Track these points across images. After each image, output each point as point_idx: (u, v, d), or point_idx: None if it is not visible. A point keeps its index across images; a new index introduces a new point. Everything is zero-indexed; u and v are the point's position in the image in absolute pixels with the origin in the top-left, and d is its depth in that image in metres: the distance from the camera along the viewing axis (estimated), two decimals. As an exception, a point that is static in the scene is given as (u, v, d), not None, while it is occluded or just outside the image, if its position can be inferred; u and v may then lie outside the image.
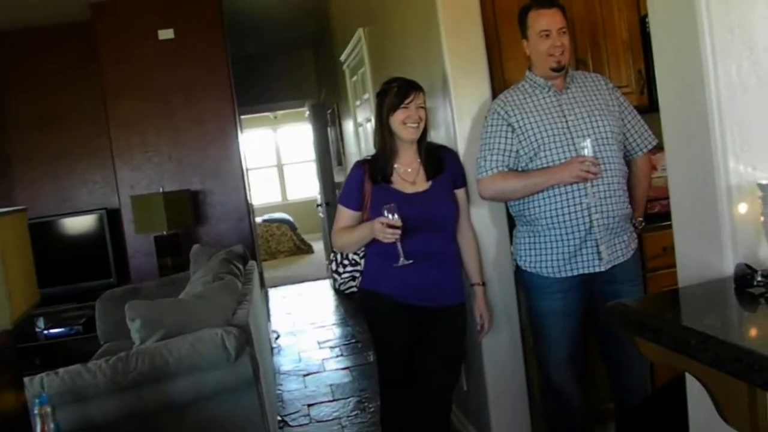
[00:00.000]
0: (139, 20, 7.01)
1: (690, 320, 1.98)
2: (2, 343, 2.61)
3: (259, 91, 11.26)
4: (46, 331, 6.67)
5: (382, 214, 3.34)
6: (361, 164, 3.75)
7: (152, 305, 3.74)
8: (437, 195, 3.63)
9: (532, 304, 3.72)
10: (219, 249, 5.49)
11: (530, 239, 3.61)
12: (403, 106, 3.53)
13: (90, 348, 5.44)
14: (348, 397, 5.85)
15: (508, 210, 3.85)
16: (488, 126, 3.61)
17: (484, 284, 3.82)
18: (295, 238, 15.78)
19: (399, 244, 3.39)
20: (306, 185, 17.43)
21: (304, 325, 8.76)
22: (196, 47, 7.09)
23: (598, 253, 3.46)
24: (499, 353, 4.04)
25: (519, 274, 3.78)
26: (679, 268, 2.47)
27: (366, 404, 5.60)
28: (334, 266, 3.80)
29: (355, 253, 3.73)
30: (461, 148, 3.93)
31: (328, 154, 11.06)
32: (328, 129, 10.74)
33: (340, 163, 9.73)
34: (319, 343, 7.80)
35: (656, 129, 3.25)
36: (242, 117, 9.09)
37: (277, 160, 18.84)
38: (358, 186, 3.66)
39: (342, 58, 7.65)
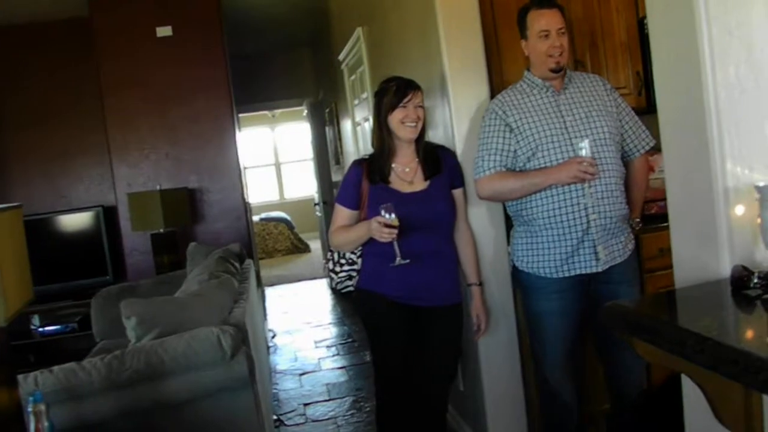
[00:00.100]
0: (136, 17, 6.99)
1: (687, 322, 1.98)
2: (-4, 341, 2.60)
3: (258, 89, 11.26)
4: (41, 329, 6.65)
5: (379, 214, 3.33)
6: (358, 163, 3.74)
7: (148, 303, 3.73)
8: (435, 195, 3.63)
9: (529, 305, 3.71)
10: (216, 247, 5.49)
11: (527, 239, 3.61)
12: (401, 105, 3.52)
13: (85, 346, 5.43)
14: (344, 397, 5.85)
15: (505, 210, 3.85)
16: (486, 126, 3.60)
17: (481, 284, 3.82)
18: (293, 237, 15.78)
19: (396, 244, 3.38)
20: (304, 184, 17.43)
21: (301, 324, 8.76)
22: (194, 45, 7.08)
23: (596, 253, 3.46)
24: (496, 353, 4.03)
25: (516, 274, 3.77)
26: (676, 269, 2.47)
27: (362, 404, 5.59)
28: (331, 265, 3.80)
29: (352, 253, 3.73)
30: (459, 148, 3.92)
31: (326, 153, 11.06)
32: (326, 128, 10.74)
33: (338, 162, 9.72)
34: (315, 342, 7.80)
35: (654, 130, 3.26)
36: (240, 115, 9.08)
37: (274, 159, 18.83)
38: (355, 185, 3.66)
39: (340, 57, 7.65)
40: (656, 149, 3.39)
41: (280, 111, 16.76)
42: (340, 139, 9.26)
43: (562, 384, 3.65)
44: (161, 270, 6.53)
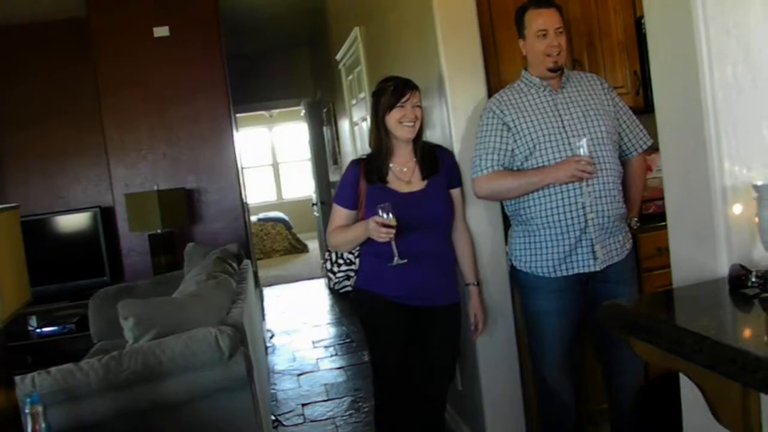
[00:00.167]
0: (134, 17, 7.00)
1: (684, 321, 1.98)
2: (-7, 342, 2.60)
3: (255, 89, 11.25)
4: (38, 330, 6.65)
5: (377, 213, 3.33)
6: (356, 163, 3.74)
7: (145, 304, 3.72)
8: (432, 194, 3.63)
9: (527, 304, 3.71)
10: (213, 248, 5.48)
11: (525, 239, 3.61)
12: (399, 105, 3.52)
13: (83, 347, 5.43)
14: (342, 397, 5.84)
15: (503, 210, 3.84)
16: (483, 125, 3.60)
17: (479, 284, 3.82)
18: (290, 237, 15.78)
19: (393, 244, 3.38)
20: (301, 184, 17.41)
21: (299, 325, 8.75)
22: (192, 45, 7.08)
23: (593, 252, 3.46)
24: (494, 353, 4.03)
25: (514, 273, 3.77)
26: (674, 268, 2.47)
27: (360, 404, 5.59)
28: (328, 265, 3.80)
29: (350, 253, 3.72)
30: (457, 148, 3.92)
31: (323, 153, 11.05)
32: (324, 128, 10.73)
33: (335, 162, 9.72)
34: (313, 342, 7.79)
35: (651, 130, 3.26)
36: (238, 115, 9.08)
37: (272, 159, 18.83)
38: (353, 185, 3.66)
39: (338, 57, 7.64)
40: (654, 149, 3.39)
41: (277, 111, 16.76)
42: (337, 139, 9.26)
43: (560, 383, 3.65)
44: (159, 270, 6.53)
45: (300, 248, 15.74)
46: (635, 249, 3.76)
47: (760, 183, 2.08)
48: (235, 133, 7.39)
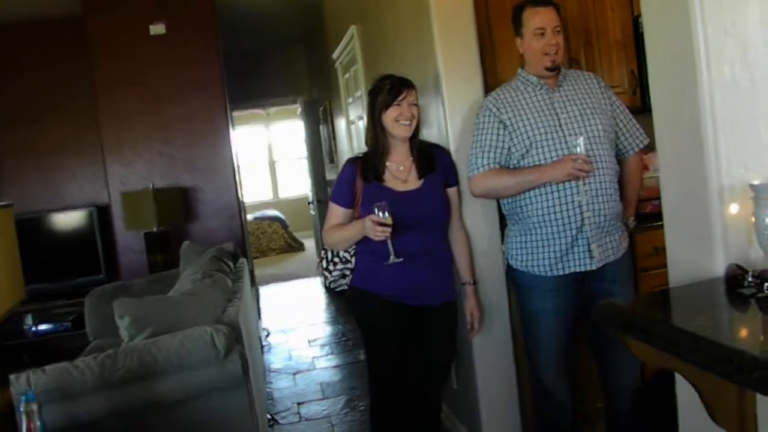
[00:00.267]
0: (130, 14, 6.97)
1: (681, 321, 1.98)
2: (-13, 341, 2.60)
3: (252, 87, 11.23)
4: (34, 328, 6.65)
5: (373, 212, 3.33)
6: (352, 162, 3.73)
7: (141, 303, 3.72)
8: (429, 193, 3.62)
9: (524, 303, 3.71)
10: (209, 246, 5.48)
11: (522, 238, 3.60)
12: (395, 103, 3.52)
13: (79, 345, 5.42)
14: (338, 396, 5.84)
15: (500, 209, 3.84)
16: (480, 123, 3.60)
17: (475, 283, 3.82)
18: (287, 236, 15.78)
19: (389, 242, 3.38)
20: (298, 183, 17.40)
21: (295, 323, 8.75)
22: (188, 43, 7.06)
23: (590, 251, 3.45)
24: (490, 352, 4.03)
25: (510, 272, 3.77)
26: (670, 268, 2.47)
27: (356, 403, 5.59)
28: (324, 264, 3.79)
29: (346, 251, 3.72)
30: (453, 146, 3.91)
31: (320, 151, 11.04)
32: (321, 126, 10.73)
33: (332, 160, 9.71)
34: (309, 341, 7.80)
35: (648, 129, 3.25)
36: (234, 113, 9.07)
37: (269, 157, 18.81)
38: (349, 183, 3.65)
39: (335, 55, 7.64)
40: (651, 148, 3.39)
41: (274, 109, 16.76)
42: (334, 138, 9.26)
43: (557, 383, 3.64)
44: (155, 269, 6.51)
45: (296, 247, 15.74)
46: (631, 248, 3.75)
47: (757, 182, 2.08)
48: (231, 131, 7.38)
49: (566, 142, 3.41)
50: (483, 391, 4.06)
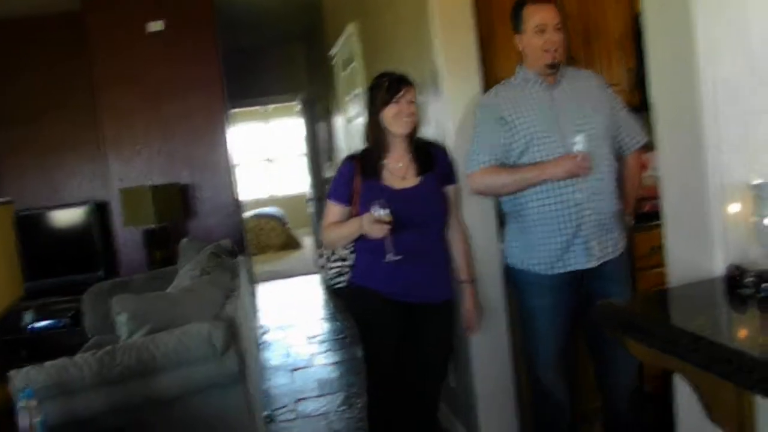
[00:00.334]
0: (129, 11, 6.97)
1: (680, 321, 1.98)
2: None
3: (250, 84, 11.21)
4: (33, 324, 6.63)
5: (371, 210, 3.33)
6: (350, 159, 3.73)
7: (139, 299, 3.72)
8: (427, 191, 3.62)
9: (522, 302, 3.70)
10: (208, 243, 5.48)
11: (520, 236, 3.60)
12: (394, 100, 3.51)
13: (78, 341, 5.41)
14: (336, 393, 5.84)
15: (498, 207, 3.84)
16: (479, 120, 3.59)
17: (473, 281, 3.81)
18: (285, 233, 15.75)
19: (388, 240, 3.38)
20: (296, 180, 17.37)
21: (293, 320, 8.75)
22: (187, 40, 7.06)
23: (588, 249, 3.45)
24: (488, 350, 4.03)
25: (509, 271, 3.77)
26: (669, 267, 2.47)
27: (354, 400, 5.58)
28: (322, 261, 3.79)
29: (344, 249, 3.71)
30: (452, 144, 3.91)
31: (318, 148, 11.03)
32: (319, 123, 10.71)
33: (330, 158, 9.70)
34: (307, 338, 7.79)
35: (647, 127, 3.25)
36: (233, 110, 9.06)
37: (267, 155, 18.78)
38: (347, 181, 3.65)
39: (333, 52, 7.63)
40: (650, 147, 3.39)
41: (273, 106, 16.72)
42: (332, 135, 9.24)
43: (555, 382, 3.64)
44: (153, 265, 6.53)
45: (294, 244, 15.71)
46: (630, 247, 3.75)
47: (757, 182, 2.07)
48: (229, 128, 7.38)
49: (565, 140, 3.40)
50: (480, 390, 4.06)
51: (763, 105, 2.20)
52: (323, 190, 10.07)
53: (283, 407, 5.63)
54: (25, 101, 7.56)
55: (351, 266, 3.71)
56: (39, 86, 7.59)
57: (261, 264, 12.88)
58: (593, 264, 3.47)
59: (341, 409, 5.45)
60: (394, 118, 3.53)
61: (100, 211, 7.39)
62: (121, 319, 3.53)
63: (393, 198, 3.42)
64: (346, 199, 3.65)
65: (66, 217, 7.47)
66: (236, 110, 10.66)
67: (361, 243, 3.62)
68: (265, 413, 5.36)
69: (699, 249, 2.25)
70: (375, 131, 3.61)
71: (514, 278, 3.73)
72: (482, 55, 4.03)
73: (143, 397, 3.28)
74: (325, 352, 7.15)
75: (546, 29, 3.42)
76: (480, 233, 3.95)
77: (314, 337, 7.80)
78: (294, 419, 5.37)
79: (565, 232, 3.44)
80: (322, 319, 8.69)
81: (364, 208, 3.45)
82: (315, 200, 11.02)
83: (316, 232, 10.20)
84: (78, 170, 7.77)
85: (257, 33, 10.24)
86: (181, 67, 7.05)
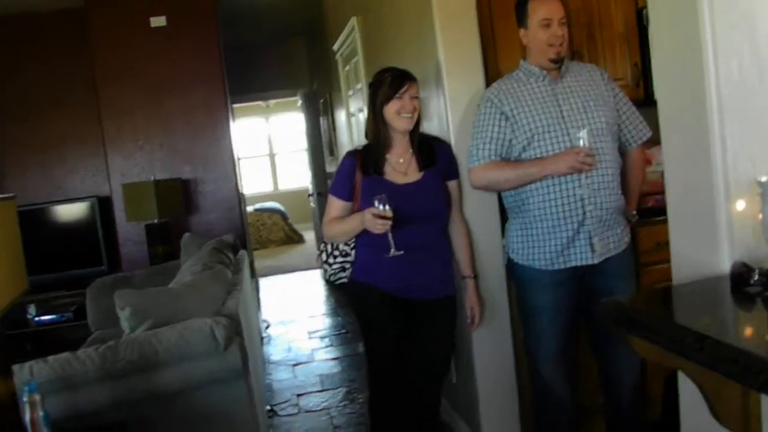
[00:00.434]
0: (131, 7, 6.97)
1: (685, 319, 1.97)
2: (-10, 331, 2.61)
3: (252, 79, 11.23)
4: (37, 318, 6.64)
5: (373, 205, 3.32)
6: (352, 154, 3.73)
7: (142, 294, 3.72)
8: (429, 186, 3.62)
9: (524, 297, 3.70)
10: (210, 238, 5.47)
11: (523, 231, 3.59)
12: (396, 96, 3.51)
13: (80, 335, 5.42)
14: (337, 388, 5.85)
15: (500, 202, 3.83)
16: (481, 114, 3.58)
17: (476, 277, 3.81)
18: (287, 228, 15.77)
19: (390, 235, 3.37)
20: (298, 175, 17.38)
21: (295, 315, 8.76)
22: (189, 35, 7.06)
23: (591, 245, 3.44)
24: (489, 346, 4.02)
25: (511, 266, 3.76)
26: (674, 265, 2.45)
27: (355, 395, 5.59)
28: (324, 257, 3.79)
29: (346, 244, 3.72)
30: (454, 139, 3.90)
31: (320, 143, 11.05)
32: (321, 118, 10.72)
33: (332, 152, 9.71)
34: (309, 333, 7.80)
35: (651, 123, 3.25)
36: (234, 105, 9.06)
37: (269, 149, 18.80)
38: (349, 176, 3.65)
39: (335, 47, 7.62)
40: (654, 141, 3.38)
41: (274, 101, 16.74)
42: (334, 130, 9.25)
43: (556, 378, 3.63)
44: (155, 260, 6.53)
45: (296, 239, 15.73)
46: (634, 243, 3.75)
47: (764, 179, 2.06)
48: (231, 123, 7.38)
49: (569, 135, 3.40)
50: (482, 385, 4.06)
51: (770, 101, 2.19)
52: (325, 184, 10.09)
53: (285, 402, 5.64)
54: (27, 97, 7.58)
55: (353, 262, 3.71)
56: (41, 82, 7.60)
57: (262, 259, 12.91)
58: (596, 260, 3.46)
59: (342, 404, 5.46)
60: (397, 114, 3.52)
61: (102, 206, 7.40)
62: (124, 314, 3.53)
63: (394, 193, 3.42)
64: (347, 194, 3.65)
65: (68, 212, 7.50)
66: (238, 105, 10.66)
67: (362, 238, 3.62)
68: (267, 408, 5.37)
69: (704, 246, 2.24)
70: (377, 127, 3.61)
71: (516, 273, 3.73)
72: (484, 50, 4.02)
73: (146, 391, 3.28)
74: (327, 347, 7.16)
75: (551, 23, 3.41)
76: (482, 228, 3.94)
77: (315, 332, 7.81)
78: (296, 414, 5.38)
79: (568, 228, 3.43)
80: (324, 314, 8.71)
81: (366, 204, 3.45)
82: (316, 195, 11.02)
83: (318, 227, 10.22)
84: (80, 165, 7.78)
85: (258, 28, 10.24)
86: (183, 63, 7.05)
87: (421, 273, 3.61)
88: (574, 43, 4.26)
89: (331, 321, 8.28)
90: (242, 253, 5.52)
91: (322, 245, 3.82)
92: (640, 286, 3.86)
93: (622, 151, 3.65)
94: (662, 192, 2.54)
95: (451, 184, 3.75)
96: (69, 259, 7.42)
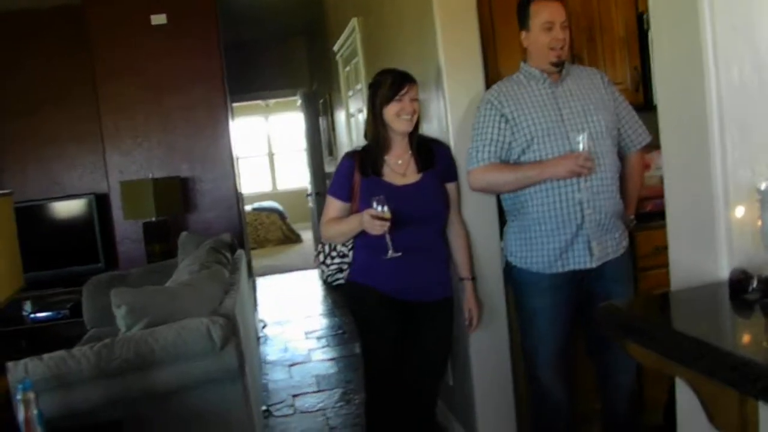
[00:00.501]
0: (131, 5, 6.98)
1: (683, 326, 1.96)
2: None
3: (252, 78, 11.23)
4: (32, 315, 6.63)
5: (371, 206, 3.32)
6: (351, 155, 3.73)
7: (138, 293, 3.71)
8: (427, 188, 3.62)
9: (522, 301, 3.69)
10: (207, 237, 5.47)
11: (521, 234, 3.59)
12: (396, 98, 3.50)
13: (77, 333, 5.42)
14: (333, 389, 5.84)
15: (499, 205, 3.83)
16: (481, 116, 3.57)
17: (473, 279, 3.80)
18: (284, 228, 15.76)
19: (388, 236, 3.37)
20: (296, 174, 17.38)
21: (292, 315, 8.75)
22: (189, 33, 7.06)
23: (590, 249, 3.44)
24: (487, 349, 4.02)
25: (509, 270, 3.76)
26: (673, 271, 2.44)
27: (351, 396, 5.58)
28: (321, 258, 3.79)
29: (344, 245, 3.71)
30: (453, 141, 3.89)
31: (319, 143, 11.05)
32: (320, 119, 10.72)
33: (331, 153, 9.71)
34: (305, 333, 7.80)
35: (650, 127, 3.24)
36: (234, 104, 9.06)
37: (268, 149, 18.79)
38: (347, 177, 3.64)
39: (335, 47, 7.62)
40: (653, 146, 3.37)
41: (274, 101, 16.73)
42: (333, 130, 9.25)
43: (554, 382, 3.63)
44: (152, 258, 6.53)
45: (294, 238, 15.72)
46: (632, 247, 3.74)
47: (764, 186, 2.05)
48: (230, 122, 7.38)
49: (568, 138, 3.39)
50: (478, 388, 4.05)
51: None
52: (323, 184, 10.09)
53: (281, 402, 5.63)
54: (26, 93, 7.57)
55: (350, 263, 3.71)
56: (40, 78, 7.59)
57: (260, 258, 12.90)
58: (594, 264, 3.46)
59: (339, 405, 5.45)
60: (397, 116, 3.52)
61: (100, 203, 7.39)
62: (120, 313, 3.52)
63: (393, 195, 3.41)
64: (345, 195, 3.64)
65: (66, 208, 7.49)
66: (237, 104, 10.67)
67: (360, 239, 3.61)
68: (263, 408, 5.36)
69: (703, 253, 2.23)
70: (376, 128, 3.61)
71: (514, 276, 3.72)
72: (484, 52, 4.01)
73: (141, 390, 3.28)
74: (323, 347, 7.16)
75: (553, 27, 3.40)
76: (480, 231, 3.94)
77: (312, 332, 7.81)
78: (291, 414, 5.37)
79: (566, 231, 3.43)
80: (321, 314, 8.71)
81: (364, 205, 3.44)
82: (315, 195, 11.02)
83: (316, 227, 10.21)
84: (78, 162, 7.77)
85: (259, 27, 10.25)
86: (183, 61, 7.05)
87: (419, 275, 3.60)
88: (574, 46, 4.26)
89: (328, 321, 8.27)
90: (240, 252, 5.52)
91: (320, 246, 3.81)
92: (637, 290, 3.86)
93: (621, 155, 3.64)
94: (661, 196, 2.53)
95: (450, 186, 3.74)
96: (66, 256, 7.41)
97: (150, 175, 6.71)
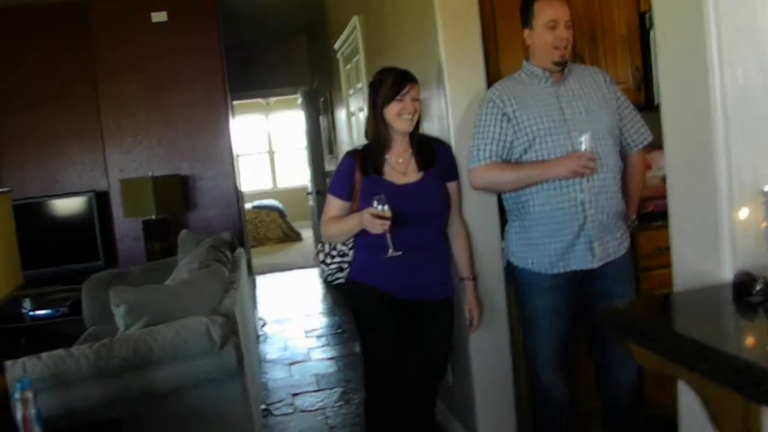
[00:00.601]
0: (132, 2, 6.98)
1: (686, 328, 1.95)
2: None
3: (252, 76, 11.22)
4: (31, 313, 6.62)
5: (371, 205, 3.31)
6: (351, 154, 3.72)
7: (137, 291, 3.70)
8: (428, 187, 3.61)
9: (523, 301, 3.68)
10: (207, 235, 5.47)
11: (522, 234, 3.58)
12: (398, 98, 3.49)
13: (76, 330, 5.41)
14: (333, 388, 5.83)
15: (500, 204, 3.82)
16: (482, 114, 3.56)
17: (474, 278, 3.79)
18: (284, 226, 15.75)
19: (388, 235, 3.36)
20: (297, 173, 17.37)
21: (291, 314, 8.75)
22: (190, 31, 7.07)
23: (591, 249, 3.43)
24: (487, 348, 4.01)
25: (510, 270, 3.74)
26: (675, 272, 2.44)
27: (351, 395, 5.57)
28: (321, 257, 3.78)
29: (344, 244, 3.70)
30: (454, 140, 3.88)
31: (319, 142, 11.05)
32: (321, 117, 10.71)
33: (331, 151, 9.70)
34: (305, 332, 7.79)
35: (652, 127, 3.23)
36: (234, 102, 9.06)
37: (268, 147, 18.78)
38: (348, 176, 3.64)
39: (336, 46, 7.60)
40: (655, 146, 3.36)
41: (274, 99, 16.74)
42: (334, 129, 9.24)
43: (554, 382, 3.62)
44: (152, 256, 6.53)
45: (294, 237, 15.72)
46: (634, 247, 3.74)
47: (768, 188, 2.05)
48: (231, 120, 7.37)
49: (570, 138, 3.38)
50: (478, 388, 4.04)
51: (775, 108, 2.17)
52: (324, 183, 10.08)
53: (280, 401, 5.62)
54: (26, 90, 7.54)
55: (350, 262, 3.70)
56: (40, 75, 7.56)
57: (260, 256, 12.90)
58: (595, 264, 3.45)
59: (338, 404, 5.44)
60: (398, 116, 3.51)
61: (100, 201, 7.37)
62: (119, 311, 3.51)
63: (393, 194, 3.40)
64: (346, 194, 3.64)
65: (66, 206, 7.47)
66: (238, 102, 10.67)
67: (360, 238, 3.60)
68: (262, 407, 5.35)
69: (707, 254, 2.22)
70: (377, 127, 3.60)
71: (515, 276, 3.71)
72: (486, 50, 4.00)
73: (140, 389, 3.27)
74: (323, 346, 7.15)
75: (557, 25, 3.39)
76: (481, 230, 3.93)
77: (312, 331, 7.80)
78: (291, 413, 5.36)
79: (568, 232, 3.42)
80: (320, 313, 8.70)
81: (365, 204, 3.43)
82: (315, 193, 11.01)
83: (316, 226, 10.20)
84: (78, 160, 7.74)
85: (260, 25, 10.25)
86: (184, 58, 7.06)
87: (419, 274, 3.59)
88: (576, 46, 4.24)
89: (327, 320, 8.26)
90: (239, 251, 5.51)
91: (320, 245, 3.80)
92: (639, 290, 3.85)
93: (623, 155, 3.63)
94: (663, 197, 2.53)
95: (451, 185, 3.73)
96: (65, 253, 7.38)
97: (150, 173, 6.71)
